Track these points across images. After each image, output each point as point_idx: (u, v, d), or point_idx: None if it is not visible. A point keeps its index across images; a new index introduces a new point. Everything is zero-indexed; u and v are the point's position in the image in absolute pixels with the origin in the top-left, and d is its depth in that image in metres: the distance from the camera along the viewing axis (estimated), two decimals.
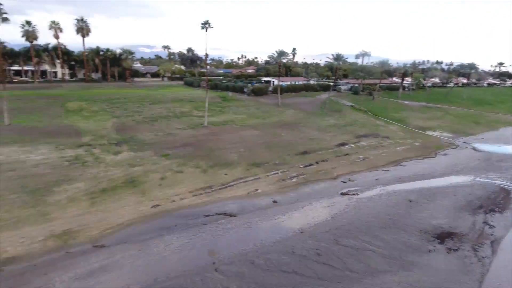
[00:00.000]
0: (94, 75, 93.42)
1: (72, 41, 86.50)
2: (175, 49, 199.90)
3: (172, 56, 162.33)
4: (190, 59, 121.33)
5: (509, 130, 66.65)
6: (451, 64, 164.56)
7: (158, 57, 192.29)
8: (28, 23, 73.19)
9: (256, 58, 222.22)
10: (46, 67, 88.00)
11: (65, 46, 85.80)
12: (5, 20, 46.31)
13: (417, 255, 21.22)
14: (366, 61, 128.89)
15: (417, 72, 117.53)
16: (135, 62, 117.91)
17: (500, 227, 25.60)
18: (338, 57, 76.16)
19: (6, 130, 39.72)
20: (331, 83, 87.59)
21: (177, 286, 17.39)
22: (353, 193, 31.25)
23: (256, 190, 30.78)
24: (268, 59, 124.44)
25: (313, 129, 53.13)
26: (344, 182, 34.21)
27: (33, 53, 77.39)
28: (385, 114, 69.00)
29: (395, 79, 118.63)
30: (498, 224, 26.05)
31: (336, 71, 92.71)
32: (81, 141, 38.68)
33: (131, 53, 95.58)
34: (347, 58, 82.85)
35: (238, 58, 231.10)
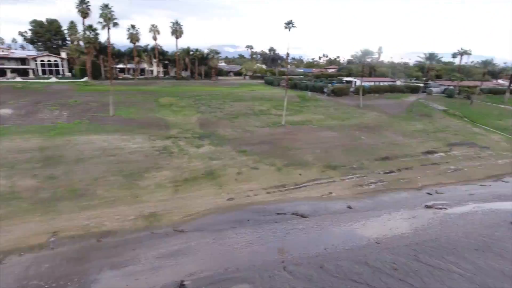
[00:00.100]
0: (183, 73, 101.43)
1: (166, 42, 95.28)
2: (258, 48, 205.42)
3: (254, 56, 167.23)
4: (272, 58, 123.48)
5: None
6: None
7: (241, 56, 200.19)
8: (133, 26, 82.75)
9: (338, 57, 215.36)
10: (144, 65, 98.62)
11: (161, 46, 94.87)
12: (115, 25, 53.25)
13: None
14: (465, 60, 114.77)
15: None
16: (220, 61, 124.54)
17: None
18: (430, 56, 69.51)
19: (111, 121, 45.68)
20: (421, 85, 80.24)
21: (245, 279, 17.95)
22: (440, 207, 28.23)
23: (330, 193, 29.97)
24: (351, 58, 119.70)
25: (397, 134, 49.46)
26: (429, 194, 31.15)
27: (135, 53, 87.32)
28: (486, 121, 60.61)
29: (500, 81, 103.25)
30: None
31: (428, 72, 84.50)
32: (169, 133, 42.41)
33: (217, 52, 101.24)
34: (441, 57, 74.99)
35: (319, 58, 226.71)
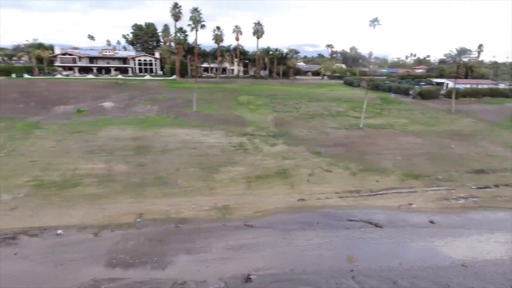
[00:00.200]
0: (262, 73, 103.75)
1: (247, 42, 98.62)
2: (338, 47, 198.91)
3: (334, 55, 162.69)
4: (353, 58, 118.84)
5: None
6: None
7: (320, 55, 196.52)
8: (218, 28, 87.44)
9: (428, 56, 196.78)
10: (226, 64, 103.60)
11: (242, 46, 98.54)
12: (203, 26, 56.90)
13: None
14: None
15: None
16: (298, 61, 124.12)
17: None
18: None
19: (193, 116, 49.07)
20: None
21: (311, 282, 17.61)
22: None
23: (410, 204, 27.59)
24: (444, 58, 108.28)
25: (496, 144, 43.24)
26: None
27: (219, 53, 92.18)
28: None
29: None
30: None
31: None
32: (245, 130, 43.80)
33: (296, 52, 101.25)
34: None
35: (406, 57, 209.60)
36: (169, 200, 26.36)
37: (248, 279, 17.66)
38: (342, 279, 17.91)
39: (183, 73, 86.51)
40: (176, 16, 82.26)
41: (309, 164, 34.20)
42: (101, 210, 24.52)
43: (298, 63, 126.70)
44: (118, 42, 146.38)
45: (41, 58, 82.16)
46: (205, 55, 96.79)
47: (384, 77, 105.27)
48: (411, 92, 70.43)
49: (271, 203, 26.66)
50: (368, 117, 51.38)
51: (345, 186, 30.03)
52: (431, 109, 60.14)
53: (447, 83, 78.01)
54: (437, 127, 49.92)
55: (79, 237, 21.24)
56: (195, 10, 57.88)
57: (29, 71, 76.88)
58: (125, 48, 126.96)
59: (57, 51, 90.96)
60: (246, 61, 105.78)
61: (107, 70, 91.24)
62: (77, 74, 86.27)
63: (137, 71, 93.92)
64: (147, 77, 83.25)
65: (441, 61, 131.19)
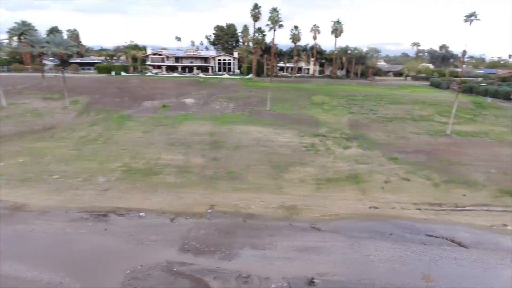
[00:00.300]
0: (339, 72, 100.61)
1: (325, 41, 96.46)
2: (425, 46, 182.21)
3: (420, 54, 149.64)
4: (442, 57, 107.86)
5: None
6: None
7: (404, 54, 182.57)
8: (296, 27, 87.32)
9: None
10: (302, 64, 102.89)
11: (319, 46, 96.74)
12: (281, 26, 57.36)
13: None
14: None
15: None
16: (379, 60, 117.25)
17: None
18: None
19: (267, 115, 49.86)
20: None
21: None
22: None
23: (505, 225, 24.03)
24: None
25: None
26: None
27: (295, 52, 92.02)
28: None
29: None
30: None
31: None
32: (318, 131, 42.98)
33: (376, 51, 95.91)
34: None
35: (510, 56, 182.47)
36: (239, 194, 27.25)
37: (311, 282, 17.33)
38: None
39: (259, 72, 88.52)
40: (256, 17, 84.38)
41: (384, 170, 32.13)
42: (178, 198, 26.48)
43: (379, 63, 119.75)
44: (201, 43, 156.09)
45: (135, 58, 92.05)
46: (281, 55, 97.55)
47: (480, 78, 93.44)
48: None
49: (340, 207, 25.74)
50: (457, 123, 46.19)
51: (425, 198, 27.48)
52: None
53: None
54: None
55: (157, 221, 23.27)
56: (274, 10, 58.68)
57: (125, 69, 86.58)
58: (207, 48, 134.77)
59: (149, 51, 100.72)
60: (323, 61, 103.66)
61: (190, 69, 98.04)
62: (164, 72, 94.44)
63: (217, 70, 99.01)
64: (225, 75, 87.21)
65: None
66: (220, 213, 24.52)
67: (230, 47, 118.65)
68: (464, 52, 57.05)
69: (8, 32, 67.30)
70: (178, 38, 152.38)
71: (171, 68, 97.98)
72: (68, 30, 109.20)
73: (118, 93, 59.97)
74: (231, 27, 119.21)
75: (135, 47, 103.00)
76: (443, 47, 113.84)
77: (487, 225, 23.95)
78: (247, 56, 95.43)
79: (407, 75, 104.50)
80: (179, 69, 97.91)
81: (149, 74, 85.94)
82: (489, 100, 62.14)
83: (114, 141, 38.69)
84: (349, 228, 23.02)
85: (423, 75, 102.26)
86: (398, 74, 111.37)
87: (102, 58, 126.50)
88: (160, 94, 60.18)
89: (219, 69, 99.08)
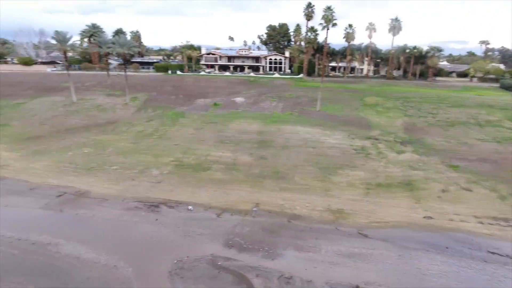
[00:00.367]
0: (395, 73, 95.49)
1: (381, 40, 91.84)
2: (496, 44, 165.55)
3: (489, 53, 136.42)
4: None
5: None
6: None
7: (471, 53, 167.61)
8: (350, 26, 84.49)
9: None
10: (355, 64, 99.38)
11: (375, 45, 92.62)
12: (334, 25, 56.07)
13: None
14: None
15: None
16: (441, 60, 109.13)
17: None
18: None
19: (316, 115, 49.00)
20: None
21: None
22: None
23: None
24: None
25: None
26: None
27: (349, 52, 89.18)
28: None
29: None
30: None
31: None
32: (370, 134, 41.22)
33: (439, 50, 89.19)
34: None
35: None
36: (285, 194, 27.14)
37: None
38: None
39: (310, 72, 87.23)
40: (309, 16, 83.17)
41: (442, 178, 29.86)
42: (225, 194, 27.12)
43: (440, 62, 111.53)
44: (253, 42, 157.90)
45: (190, 57, 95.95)
46: (333, 54, 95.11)
47: None
48: None
49: (391, 215, 24.45)
50: None
51: (489, 211, 25.04)
52: None
53: None
54: None
55: (204, 215, 24.05)
56: (328, 8, 57.44)
57: (181, 68, 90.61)
58: (258, 48, 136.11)
59: (203, 51, 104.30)
60: (378, 60, 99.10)
61: (242, 68, 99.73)
62: (217, 71, 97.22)
63: (267, 69, 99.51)
64: (276, 75, 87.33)
65: None
66: (265, 211, 24.63)
67: (281, 46, 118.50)
68: None
69: (80, 34, 74.25)
70: (231, 38, 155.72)
71: (223, 67, 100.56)
72: (131, 32, 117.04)
73: (173, 91, 63.00)
74: (283, 27, 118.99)
75: (191, 47, 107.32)
76: None
77: None
78: (299, 56, 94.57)
79: (473, 76, 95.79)
80: (231, 68, 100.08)
81: (202, 73, 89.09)
82: None
83: (167, 136, 40.73)
84: (399, 238, 21.78)
85: (492, 76, 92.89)
86: (463, 75, 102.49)
87: (160, 57, 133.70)
88: (212, 92, 62.05)
89: (270, 69, 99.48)
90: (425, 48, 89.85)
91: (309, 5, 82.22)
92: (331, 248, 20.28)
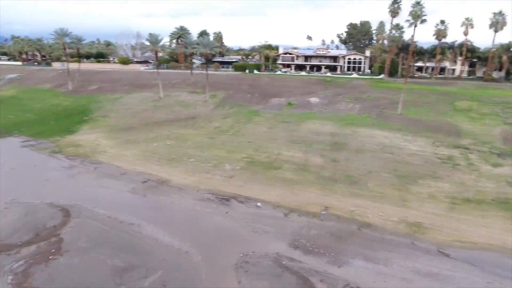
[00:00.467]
0: (495, 74, 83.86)
1: (477, 37, 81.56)
2: None
3: None
4: None
5: None
6: None
7: None
8: (442, 22, 76.66)
9: None
10: (446, 64, 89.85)
11: (471, 42, 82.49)
12: (423, 21, 51.54)
13: None
14: None
15: None
16: None
17: None
18: None
19: (396, 119, 45.68)
20: None
21: None
22: None
23: None
24: None
25: None
26: None
27: (438, 50, 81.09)
28: None
29: None
30: None
31: None
32: (459, 142, 36.96)
33: None
34: None
35: None
36: (356, 201, 25.93)
37: None
38: None
39: (393, 72, 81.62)
40: (394, 12, 77.86)
41: None
42: (294, 194, 27.01)
43: None
44: (332, 42, 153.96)
45: (268, 57, 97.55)
46: (420, 53, 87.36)
47: None
48: None
49: (479, 235, 21.60)
50: None
51: None
52: None
53: None
54: None
55: (272, 213, 24.31)
56: (417, 3, 52.80)
57: (258, 68, 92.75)
58: (337, 47, 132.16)
59: (281, 50, 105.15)
60: (474, 60, 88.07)
61: (318, 68, 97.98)
62: (293, 71, 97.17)
63: (345, 69, 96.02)
64: (354, 75, 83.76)
65: None
66: (334, 216, 23.88)
67: (362, 45, 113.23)
68: None
69: (169, 36, 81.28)
70: (309, 37, 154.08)
71: (299, 67, 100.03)
72: (214, 33, 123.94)
73: (249, 89, 64.87)
74: (365, 25, 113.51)
75: (269, 46, 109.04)
76: None
77: None
78: (380, 55, 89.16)
79: None
80: (307, 68, 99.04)
81: (278, 72, 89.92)
82: None
83: (242, 133, 42.13)
84: (488, 262, 19.12)
85: None
86: None
87: (239, 57, 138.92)
88: (287, 92, 62.19)
89: (348, 69, 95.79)
90: None
91: (395, 1, 77.06)
92: (405, 264, 18.75)
